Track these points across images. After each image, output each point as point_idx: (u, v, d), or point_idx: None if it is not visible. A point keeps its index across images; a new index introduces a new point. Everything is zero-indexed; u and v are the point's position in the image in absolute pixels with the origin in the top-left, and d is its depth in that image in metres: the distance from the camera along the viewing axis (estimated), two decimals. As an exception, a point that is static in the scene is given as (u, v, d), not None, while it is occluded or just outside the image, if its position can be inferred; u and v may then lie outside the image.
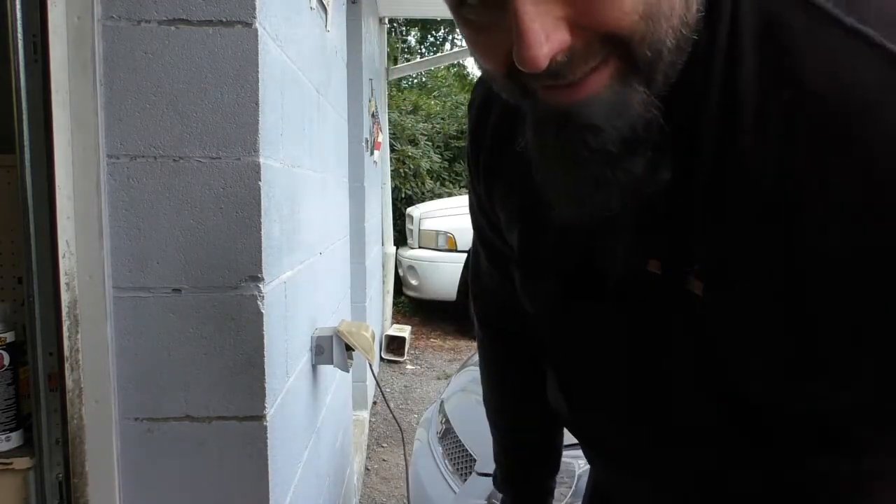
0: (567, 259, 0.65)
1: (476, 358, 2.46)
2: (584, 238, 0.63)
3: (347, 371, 1.80)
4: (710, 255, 0.54)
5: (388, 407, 2.33)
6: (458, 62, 10.13)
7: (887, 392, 0.52)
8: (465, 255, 5.63)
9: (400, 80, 9.77)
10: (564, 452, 0.97)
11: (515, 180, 0.69)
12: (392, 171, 6.48)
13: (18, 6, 0.96)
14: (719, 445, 0.61)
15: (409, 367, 5.30)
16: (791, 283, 0.50)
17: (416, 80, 11.72)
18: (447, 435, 1.91)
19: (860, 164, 0.45)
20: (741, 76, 0.50)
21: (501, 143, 0.72)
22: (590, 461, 0.84)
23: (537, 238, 0.69)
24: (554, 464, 0.99)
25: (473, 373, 2.29)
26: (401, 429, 2.23)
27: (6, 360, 1.06)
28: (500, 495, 1.01)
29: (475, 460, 1.68)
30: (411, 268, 6.01)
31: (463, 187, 8.16)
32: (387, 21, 5.87)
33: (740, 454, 0.60)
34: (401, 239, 6.47)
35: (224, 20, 1.04)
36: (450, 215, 5.93)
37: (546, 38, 0.44)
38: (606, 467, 0.79)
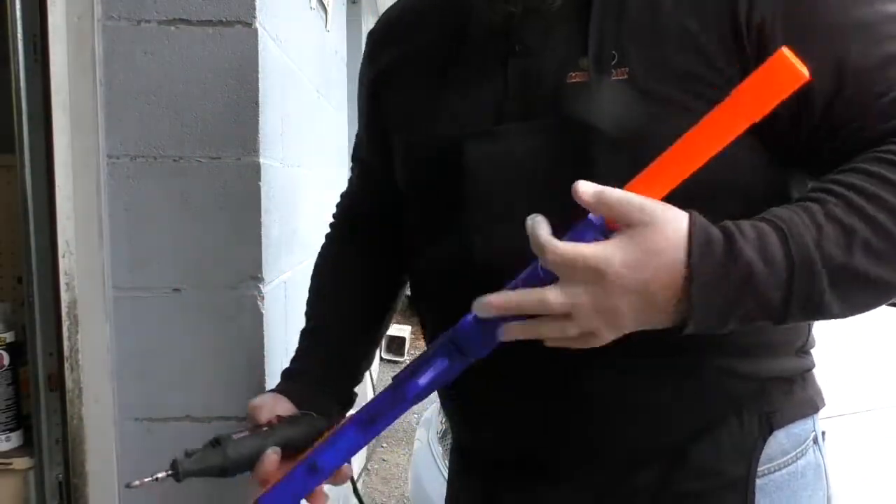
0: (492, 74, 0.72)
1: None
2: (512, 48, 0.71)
3: (347, 371, 1.80)
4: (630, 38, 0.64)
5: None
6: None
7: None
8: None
9: (400, 80, 9.76)
10: None
11: (416, 24, 0.83)
12: (392, 171, 6.47)
13: (18, 6, 0.96)
14: None
15: (409, 367, 5.29)
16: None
17: (416, 80, 11.71)
18: (447, 435, 1.91)
19: None
20: None
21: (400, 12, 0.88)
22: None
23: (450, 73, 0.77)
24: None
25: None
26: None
27: (6, 360, 1.06)
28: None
29: (475, 460, 1.67)
30: (411, 268, 6.01)
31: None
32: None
33: None
34: (401, 239, 6.46)
35: (224, 20, 1.04)
36: (450, 215, 5.92)
37: None
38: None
